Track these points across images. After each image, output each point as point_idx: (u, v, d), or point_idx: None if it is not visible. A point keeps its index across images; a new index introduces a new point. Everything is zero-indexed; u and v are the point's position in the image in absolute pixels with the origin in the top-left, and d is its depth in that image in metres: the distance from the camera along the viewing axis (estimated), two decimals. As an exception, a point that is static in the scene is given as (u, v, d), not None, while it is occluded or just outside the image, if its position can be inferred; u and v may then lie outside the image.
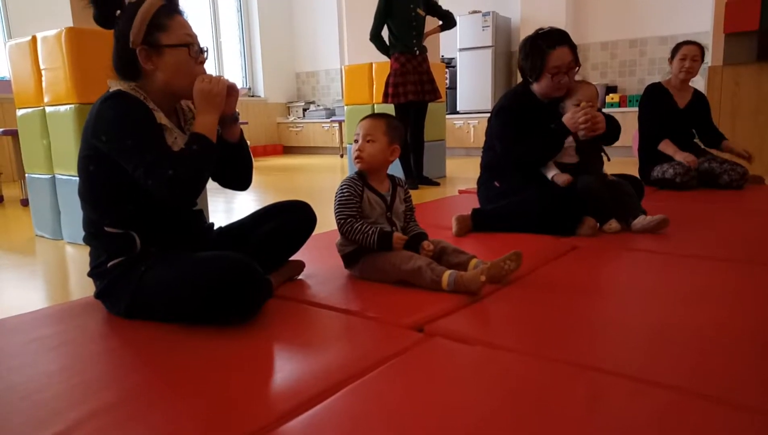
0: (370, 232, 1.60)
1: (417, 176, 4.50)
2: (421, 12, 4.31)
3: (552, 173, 2.31)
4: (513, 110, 2.42)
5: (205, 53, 1.48)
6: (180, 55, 1.40)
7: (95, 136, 1.36)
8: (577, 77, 2.40)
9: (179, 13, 1.44)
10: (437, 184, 4.59)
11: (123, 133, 1.33)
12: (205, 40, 1.50)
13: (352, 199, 1.65)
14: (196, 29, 1.47)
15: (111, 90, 1.40)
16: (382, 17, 4.28)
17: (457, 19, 7.23)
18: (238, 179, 1.64)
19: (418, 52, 4.31)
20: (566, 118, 2.28)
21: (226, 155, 1.54)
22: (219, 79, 1.42)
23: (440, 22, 4.55)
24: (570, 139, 2.32)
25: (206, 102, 1.40)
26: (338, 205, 1.65)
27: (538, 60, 2.30)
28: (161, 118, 1.41)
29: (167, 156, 1.34)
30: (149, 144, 1.34)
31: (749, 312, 1.40)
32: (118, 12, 1.40)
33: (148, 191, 1.34)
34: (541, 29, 2.36)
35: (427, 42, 4.46)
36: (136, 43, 1.37)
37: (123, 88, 1.40)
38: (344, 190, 1.66)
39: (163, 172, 1.30)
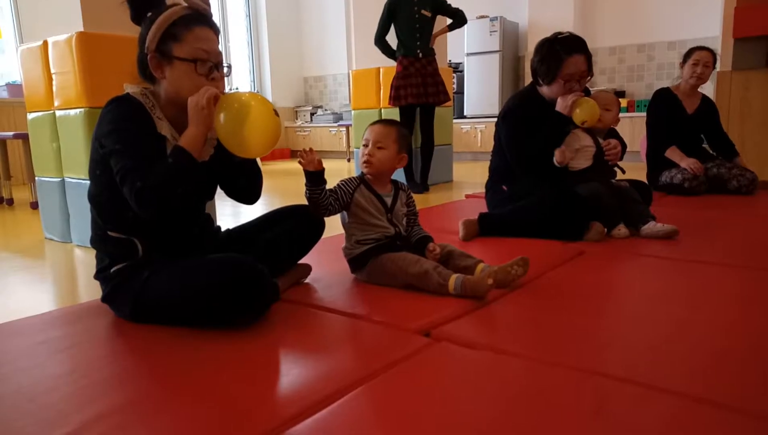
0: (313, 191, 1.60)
1: (421, 180, 4.49)
2: (426, 13, 4.27)
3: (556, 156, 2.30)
4: (520, 113, 2.42)
5: (223, 69, 1.43)
6: (187, 70, 1.36)
7: (97, 139, 1.37)
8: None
9: (204, 25, 1.39)
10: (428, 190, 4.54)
11: (114, 137, 1.32)
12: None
13: (336, 188, 1.66)
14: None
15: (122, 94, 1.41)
16: (386, 20, 4.29)
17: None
18: (243, 192, 1.60)
19: (421, 54, 4.28)
20: (558, 106, 2.30)
21: (230, 167, 1.52)
22: (206, 90, 1.33)
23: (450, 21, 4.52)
24: (589, 141, 2.32)
25: (193, 114, 1.34)
26: None
27: (553, 65, 2.29)
28: (163, 128, 1.39)
29: (145, 166, 1.29)
30: (134, 151, 1.31)
31: (758, 318, 1.38)
32: (150, 14, 1.39)
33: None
34: (559, 33, 2.35)
35: (435, 46, 4.45)
36: (149, 48, 1.37)
37: (132, 93, 1.40)
38: (338, 182, 1.68)
39: (134, 182, 1.27)
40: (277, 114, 1.37)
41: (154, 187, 1.28)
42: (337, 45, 8.99)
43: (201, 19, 1.39)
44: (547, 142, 2.33)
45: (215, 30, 1.42)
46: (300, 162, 1.57)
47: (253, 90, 9.03)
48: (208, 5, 1.44)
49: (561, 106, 2.30)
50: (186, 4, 1.39)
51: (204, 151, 1.45)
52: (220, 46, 1.44)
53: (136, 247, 1.41)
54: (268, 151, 1.39)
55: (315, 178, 1.58)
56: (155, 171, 1.29)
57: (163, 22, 1.36)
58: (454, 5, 4.44)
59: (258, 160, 1.60)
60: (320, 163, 1.57)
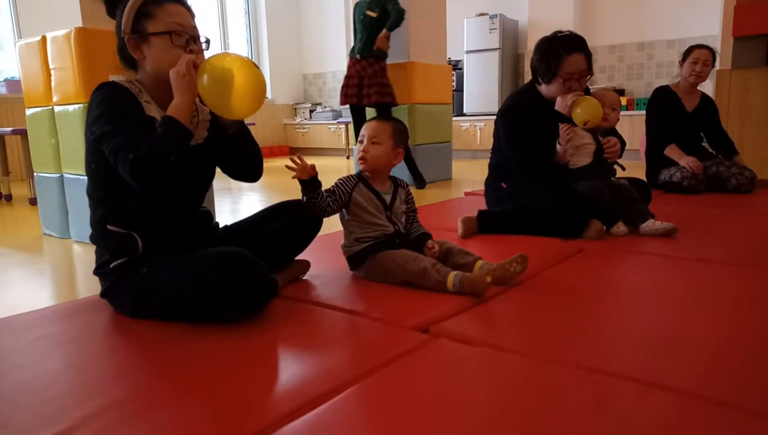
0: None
1: (415, 179, 4.52)
2: (371, 14, 4.26)
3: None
4: (518, 111, 2.42)
5: (200, 43, 1.43)
6: (163, 44, 1.37)
7: (88, 129, 1.37)
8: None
9: (174, 1, 1.40)
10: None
11: (103, 120, 1.32)
12: (212, 41, 1.47)
13: (334, 188, 1.65)
14: (202, 28, 1.45)
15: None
16: (354, 25, 4.44)
17: (465, 21, 7.28)
18: (243, 170, 1.60)
19: (359, 56, 4.32)
20: (558, 105, 2.30)
21: (226, 144, 1.52)
22: (184, 57, 1.34)
23: None
24: (589, 139, 2.32)
25: (175, 84, 1.34)
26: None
27: (553, 63, 2.28)
28: (151, 110, 1.40)
29: (135, 140, 1.29)
30: (123, 129, 1.31)
31: (757, 316, 1.39)
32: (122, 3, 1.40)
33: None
34: (559, 32, 2.34)
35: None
36: (125, 31, 1.38)
37: (117, 80, 1.40)
38: (336, 181, 1.68)
39: (126, 156, 1.27)
40: (257, 68, 1.36)
41: (147, 156, 1.28)
42: (336, 42, 8.97)
43: None
44: (548, 142, 2.32)
45: (187, 7, 1.43)
46: (294, 177, 1.56)
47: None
48: None
49: (560, 105, 2.29)
50: None
51: (198, 134, 1.46)
52: (218, 42, 1.43)
53: (135, 242, 1.41)
54: (256, 109, 1.37)
55: (311, 184, 1.58)
56: (146, 142, 1.29)
57: (134, 3, 1.37)
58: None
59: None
60: (313, 168, 1.57)
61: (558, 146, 2.27)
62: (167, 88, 1.37)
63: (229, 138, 1.52)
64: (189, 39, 1.40)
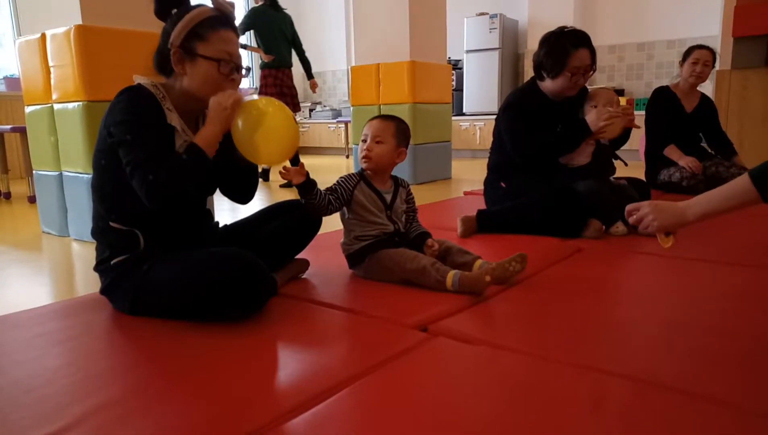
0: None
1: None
2: None
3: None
4: (521, 107, 2.42)
5: (242, 71, 1.46)
6: (210, 68, 1.39)
7: (106, 128, 1.37)
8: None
9: (229, 28, 1.42)
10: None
11: (125, 127, 1.33)
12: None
13: (336, 186, 1.66)
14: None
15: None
16: None
17: (465, 20, 7.28)
18: (238, 192, 1.62)
19: None
20: (590, 119, 2.29)
21: (231, 168, 1.53)
22: (232, 94, 1.38)
23: None
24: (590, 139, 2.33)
25: (214, 113, 1.37)
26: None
27: (560, 58, 2.29)
28: (173, 119, 1.40)
29: (156, 158, 1.31)
30: (146, 142, 1.32)
31: (755, 316, 1.39)
32: (175, 10, 1.41)
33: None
34: (564, 27, 2.35)
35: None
36: (173, 44, 1.38)
37: (143, 83, 1.41)
38: (338, 180, 1.68)
39: (145, 175, 1.29)
40: (295, 122, 1.40)
41: (166, 181, 1.29)
42: (336, 41, 8.98)
43: (226, 21, 1.42)
44: (562, 146, 2.34)
45: (237, 33, 1.45)
46: (293, 184, 1.57)
47: (252, 86, 9.01)
48: (233, 8, 1.46)
49: (593, 121, 2.27)
50: (213, 6, 1.42)
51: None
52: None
53: (137, 239, 1.41)
54: (283, 161, 1.43)
55: (307, 185, 1.58)
56: (168, 166, 1.31)
57: (190, 21, 1.38)
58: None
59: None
60: (302, 166, 1.56)
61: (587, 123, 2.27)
62: (194, 104, 1.41)
63: (235, 164, 1.52)
64: (233, 68, 1.42)
